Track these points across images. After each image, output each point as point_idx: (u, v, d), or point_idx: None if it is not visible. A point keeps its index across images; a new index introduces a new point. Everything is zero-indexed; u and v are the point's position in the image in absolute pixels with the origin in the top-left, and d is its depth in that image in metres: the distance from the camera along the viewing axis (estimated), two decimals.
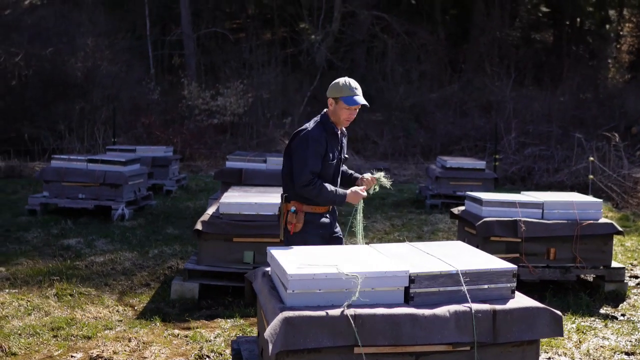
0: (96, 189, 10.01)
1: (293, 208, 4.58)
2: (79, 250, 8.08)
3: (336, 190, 4.51)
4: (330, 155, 4.55)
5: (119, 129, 17.25)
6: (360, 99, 4.56)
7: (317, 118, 4.67)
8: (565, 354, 5.16)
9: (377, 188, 4.81)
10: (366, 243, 4.55)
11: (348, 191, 4.56)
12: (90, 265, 7.47)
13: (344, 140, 4.77)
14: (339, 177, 4.72)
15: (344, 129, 4.75)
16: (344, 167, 4.86)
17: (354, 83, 4.60)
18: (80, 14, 21.00)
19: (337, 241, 4.70)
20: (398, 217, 10.82)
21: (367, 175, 4.81)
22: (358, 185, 4.74)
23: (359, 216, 4.72)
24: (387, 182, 4.77)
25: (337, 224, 4.78)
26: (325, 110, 4.68)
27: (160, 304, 6.24)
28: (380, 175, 4.78)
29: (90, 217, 9.97)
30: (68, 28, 19.89)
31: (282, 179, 4.70)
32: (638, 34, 26.76)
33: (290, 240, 4.52)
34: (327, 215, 4.65)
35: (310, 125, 4.63)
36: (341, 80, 4.62)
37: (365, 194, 4.61)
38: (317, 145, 4.48)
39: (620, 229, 6.88)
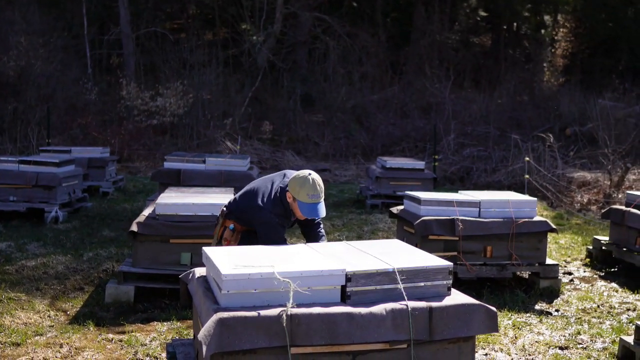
0: (28, 191, 9.69)
1: (232, 226, 4.57)
2: (9, 255, 7.78)
3: None
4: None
5: (54, 129, 16.74)
6: (320, 209, 4.33)
7: (279, 195, 4.41)
8: (501, 350, 5.23)
9: None
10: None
11: None
12: (21, 269, 7.20)
13: None
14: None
15: None
16: (322, 233, 4.75)
17: (315, 187, 4.28)
18: (14, 11, 20.30)
19: None
20: (338, 217, 10.82)
21: None
22: None
23: None
24: None
25: None
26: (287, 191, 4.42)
27: (94, 308, 6.06)
28: None
29: (23, 220, 9.63)
30: (0, 26, 19.25)
31: (234, 202, 4.64)
32: (572, 38, 27.56)
33: None
34: None
35: (271, 203, 4.39)
36: (304, 178, 4.30)
37: None
38: (280, 227, 4.44)
39: (554, 226, 7.04)
